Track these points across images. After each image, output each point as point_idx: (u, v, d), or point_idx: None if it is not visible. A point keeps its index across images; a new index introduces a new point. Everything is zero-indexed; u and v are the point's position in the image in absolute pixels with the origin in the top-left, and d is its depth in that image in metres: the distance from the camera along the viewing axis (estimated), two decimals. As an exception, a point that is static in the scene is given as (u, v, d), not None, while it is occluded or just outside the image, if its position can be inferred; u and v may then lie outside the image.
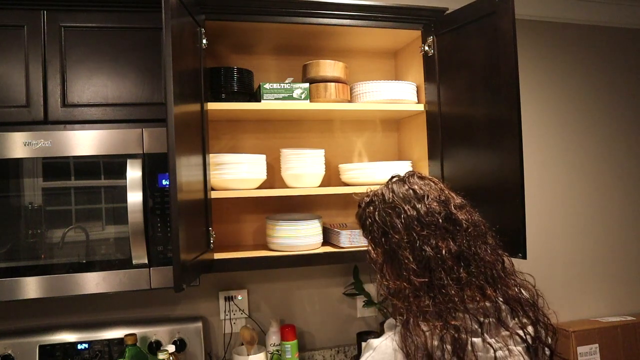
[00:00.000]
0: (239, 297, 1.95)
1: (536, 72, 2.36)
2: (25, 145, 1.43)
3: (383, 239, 1.01)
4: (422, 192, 1.02)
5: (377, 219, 1.03)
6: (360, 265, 2.03)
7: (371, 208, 1.06)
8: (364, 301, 2.01)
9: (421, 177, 1.07)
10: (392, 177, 1.11)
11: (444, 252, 0.94)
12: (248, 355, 1.78)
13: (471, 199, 1.06)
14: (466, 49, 1.61)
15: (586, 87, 2.44)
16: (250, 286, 1.98)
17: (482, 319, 0.90)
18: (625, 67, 2.51)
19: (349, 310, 2.09)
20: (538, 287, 0.99)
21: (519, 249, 1.42)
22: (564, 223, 2.38)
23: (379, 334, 1.94)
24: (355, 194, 1.19)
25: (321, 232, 1.79)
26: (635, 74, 2.53)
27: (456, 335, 0.87)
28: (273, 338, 1.87)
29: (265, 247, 1.78)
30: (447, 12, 1.74)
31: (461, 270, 0.93)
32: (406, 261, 0.95)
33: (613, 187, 2.47)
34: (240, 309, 1.95)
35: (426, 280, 0.93)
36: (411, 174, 1.09)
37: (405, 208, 0.99)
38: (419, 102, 1.87)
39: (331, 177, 2.00)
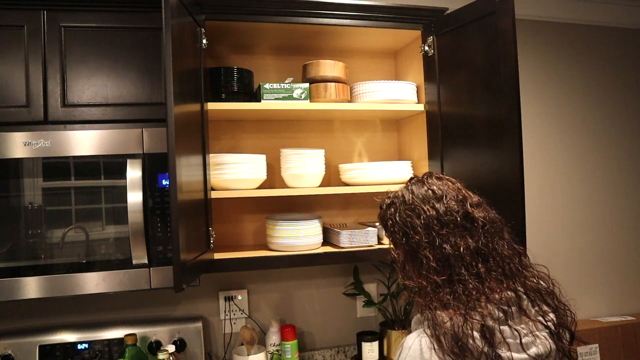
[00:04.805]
0: (239, 297, 1.95)
1: (536, 72, 2.36)
2: (25, 145, 1.43)
3: (404, 239, 1.05)
4: (440, 192, 1.06)
5: (397, 220, 1.07)
6: (360, 265, 2.03)
7: (392, 209, 1.10)
8: (364, 301, 2.01)
9: (439, 178, 1.11)
10: (411, 179, 1.15)
11: (462, 249, 0.98)
12: (248, 355, 1.78)
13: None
14: (466, 49, 1.61)
15: (586, 87, 2.44)
16: (250, 286, 1.98)
17: (505, 308, 0.93)
18: (625, 67, 2.51)
19: (349, 310, 2.09)
20: (552, 277, 1.04)
21: (519, 249, 1.41)
22: (564, 223, 2.38)
23: (379, 333, 1.95)
24: (376, 196, 1.22)
25: (321, 232, 1.79)
26: (635, 74, 2.53)
27: (482, 322, 0.90)
28: (273, 338, 1.87)
29: (265, 247, 1.78)
30: (447, 12, 1.74)
31: (480, 266, 0.97)
32: (426, 260, 0.99)
33: (613, 186, 2.47)
34: (240, 309, 1.95)
35: (445, 277, 0.96)
36: (429, 175, 1.12)
37: (425, 208, 1.03)
38: (419, 102, 1.87)
39: (331, 177, 2.00)
